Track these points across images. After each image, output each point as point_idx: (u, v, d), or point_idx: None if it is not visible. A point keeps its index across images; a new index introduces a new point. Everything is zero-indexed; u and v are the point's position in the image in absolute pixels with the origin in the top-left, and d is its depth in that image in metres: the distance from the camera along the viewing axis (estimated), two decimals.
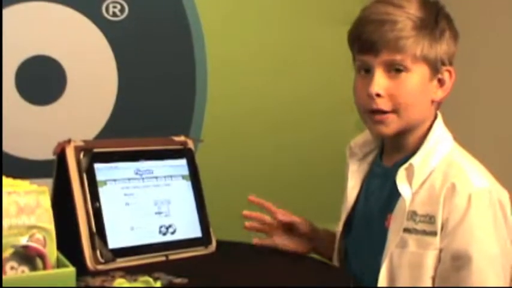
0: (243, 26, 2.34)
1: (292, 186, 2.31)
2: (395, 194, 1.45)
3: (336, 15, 2.32)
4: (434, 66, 1.45)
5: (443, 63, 1.46)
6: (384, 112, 1.45)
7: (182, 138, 1.70)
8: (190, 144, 1.70)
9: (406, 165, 1.44)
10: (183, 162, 1.67)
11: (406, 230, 1.43)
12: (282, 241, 1.64)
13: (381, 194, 1.52)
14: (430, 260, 1.41)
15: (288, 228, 1.65)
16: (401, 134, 1.49)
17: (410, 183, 1.43)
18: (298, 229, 1.65)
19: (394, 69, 1.44)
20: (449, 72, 1.47)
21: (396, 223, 1.44)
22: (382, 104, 1.45)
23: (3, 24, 1.98)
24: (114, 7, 2.13)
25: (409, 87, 1.44)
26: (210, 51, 2.27)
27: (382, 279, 1.44)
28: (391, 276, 1.44)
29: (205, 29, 2.25)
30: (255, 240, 1.63)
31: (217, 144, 2.14)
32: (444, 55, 1.45)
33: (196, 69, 2.26)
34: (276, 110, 2.39)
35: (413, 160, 1.44)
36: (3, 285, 1.11)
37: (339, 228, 1.59)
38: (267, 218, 1.64)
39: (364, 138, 1.61)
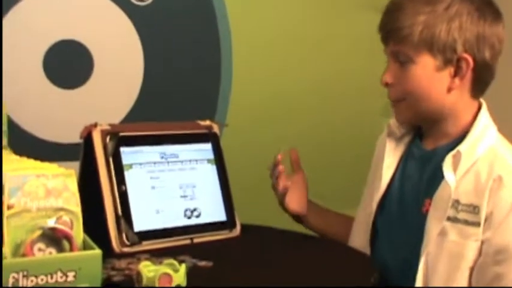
0: (268, 11, 2.33)
1: (316, 169, 2.30)
2: (435, 180, 1.44)
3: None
4: (444, 56, 1.43)
5: (454, 51, 1.43)
6: (396, 100, 1.48)
7: (207, 122, 1.70)
8: (216, 129, 1.70)
9: (454, 152, 1.43)
10: (208, 146, 1.67)
11: (448, 219, 1.41)
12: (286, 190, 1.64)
13: (419, 177, 1.50)
14: (470, 251, 1.39)
15: (293, 184, 1.65)
16: (438, 121, 1.48)
17: (455, 171, 1.42)
18: (301, 187, 1.66)
19: (400, 60, 1.45)
20: (465, 59, 1.44)
21: (438, 210, 1.42)
22: (392, 92, 1.49)
23: (31, 10, 1.99)
24: None
25: (413, 78, 1.45)
26: (235, 35, 2.26)
27: (421, 270, 1.42)
28: (429, 264, 1.42)
29: (230, 12, 2.24)
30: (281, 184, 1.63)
31: (242, 128, 2.13)
32: (456, 43, 1.43)
33: (222, 54, 2.26)
34: (301, 94, 2.38)
35: (461, 147, 1.43)
36: (31, 265, 1.12)
37: (372, 207, 1.57)
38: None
39: None
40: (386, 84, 1.48)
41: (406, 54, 1.44)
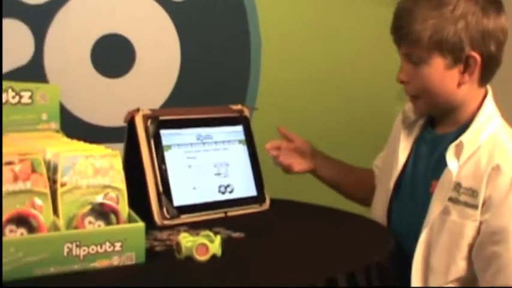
0: (293, 1, 2.32)
1: (339, 148, 2.30)
2: (442, 162, 1.43)
3: None
4: (453, 55, 1.42)
5: (463, 51, 1.41)
6: (412, 96, 1.49)
7: (239, 106, 1.69)
8: (246, 112, 1.70)
9: (456, 142, 1.42)
10: (239, 128, 1.67)
11: (450, 199, 1.41)
12: (287, 159, 1.66)
13: (428, 160, 1.50)
14: (469, 230, 1.39)
15: (293, 150, 1.68)
16: (450, 111, 1.48)
17: (458, 158, 1.41)
18: (300, 149, 1.68)
19: (413, 61, 1.44)
20: (473, 57, 1.42)
21: (441, 192, 1.42)
22: (408, 89, 1.49)
23: (78, 8, 1.99)
24: None
25: (426, 77, 1.44)
26: (263, 25, 2.25)
27: (422, 243, 1.43)
28: (431, 240, 1.42)
29: (259, 4, 2.24)
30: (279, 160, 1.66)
31: (270, 111, 2.13)
32: (463, 43, 1.41)
33: (251, 44, 2.25)
34: (325, 77, 2.36)
35: (464, 137, 1.42)
36: (83, 236, 1.13)
37: (389, 185, 1.56)
38: (277, 143, 1.67)
39: None
40: (402, 82, 1.48)
41: (418, 56, 1.43)
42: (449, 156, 1.42)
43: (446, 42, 1.41)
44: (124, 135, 1.56)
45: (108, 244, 1.15)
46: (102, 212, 1.19)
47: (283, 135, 1.70)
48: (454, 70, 1.44)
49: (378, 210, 1.59)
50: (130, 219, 1.22)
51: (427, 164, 1.50)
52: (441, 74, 1.43)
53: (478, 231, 1.39)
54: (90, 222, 1.18)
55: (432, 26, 1.40)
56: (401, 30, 1.44)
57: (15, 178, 1.13)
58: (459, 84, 1.45)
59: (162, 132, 1.54)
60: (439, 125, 1.53)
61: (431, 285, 1.42)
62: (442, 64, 1.43)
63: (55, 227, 1.16)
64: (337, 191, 1.75)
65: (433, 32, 1.40)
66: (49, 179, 1.18)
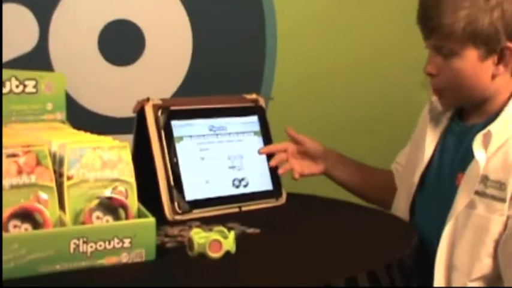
0: None
1: (359, 138, 2.30)
2: (469, 155, 1.41)
3: None
4: (487, 47, 1.39)
5: (498, 42, 1.39)
6: (439, 90, 1.47)
7: (254, 96, 1.69)
8: (262, 102, 1.69)
9: (484, 131, 1.40)
10: (254, 119, 1.66)
11: (476, 193, 1.39)
12: (297, 163, 1.64)
13: (455, 152, 1.48)
14: (495, 225, 1.37)
15: (303, 153, 1.66)
16: (480, 103, 1.46)
17: (486, 149, 1.39)
18: (310, 151, 1.66)
19: (443, 53, 1.42)
20: (509, 48, 1.40)
21: (467, 184, 1.40)
22: (436, 82, 1.46)
23: None
24: None
25: (458, 70, 1.42)
26: (279, 11, 2.23)
27: (445, 238, 1.41)
28: (455, 235, 1.41)
29: None
30: (280, 170, 1.63)
31: (286, 101, 2.12)
32: (499, 34, 1.38)
33: (266, 30, 2.24)
34: (343, 66, 2.36)
35: (492, 127, 1.40)
36: (90, 231, 1.13)
37: (414, 179, 1.55)
38: (283, 147, 1.65)
39: None
40: (430, 75, 1.46)
41: (450, 49, 1.40)
42: (477, 146, 1.40)
43: (480, 34, 1.38)
44: (133, 126, 1.56)
45: (116, 240, 1.15)
46: (111, 207, 1.19)
47: (291, 137, 1.67)
48: (488, 62, 1.41)
49: (401, 206, 1.58)
50: (140, 214, 1.22)
51: (454, 156, 1.48)
52: (474, 67, 1.41)
53: (505, 226, 1.37)
54: (97, 218, 1.18)
55: (465, 17, 1.37)
56: (431, 22, 1.40)
57: (20, 171, 1.13)
58: (493, 76, 1.43)
59: (173, 123, 1.54)
60: (468, 115, 1.51)
61: (454, 283, 1.40)
62: (475, 56, 1.40)
63: (61, 223, 1.16)
64: (352, 193, 1.74)
65: (467, 23, 1.37)
66: (55, 172, 1.17)
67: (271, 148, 1.64)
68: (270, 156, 1.64)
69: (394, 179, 1.72)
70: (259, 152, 1.62)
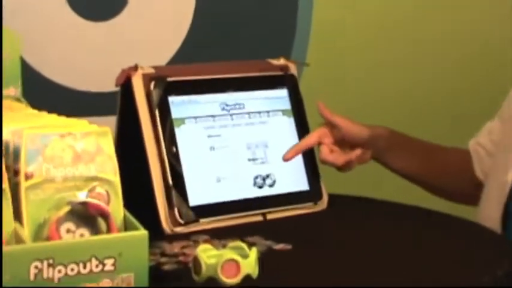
0: None
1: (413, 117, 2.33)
2: None
3: None
4: None
5: None
6: None
7: (282, 61, 1.70)
8: (293, 69, 1.69)
9: None
10: (283, 92, 1.67)
11: None
12: (338, 156, 1.66)
13: None
14: None
15: (341, 140, 1.68)
16: None
17: None
18: (350, 140, 1.68)
19: None
20: None
21: None
22: None
23: None
24: None
25: None
26: None
27: None
28: None
29: None
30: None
31: (326, 69, 2.12)
32: None
33: None
34: (400, 20, 2.42)
35: None
36: (58, 251, 1.13)
37: (508, 178, 1.56)
38: (315, 140, 1.66)
39: None
40: None
41: None
42: None
43: None
44: (116, 105, 1.57)
45: (94, 262, 1.14)
46: (86, 216, 1.19)
47: (325, 118, 1.68)
48: None
49: (489, 211, 1.58)
50: (127, 226, 1.22)
51: None
52: None
53: None
54: (68, 231, 1.18)
55: None
56: None
57: None
58: None
59: (171, 99, 1.55)
60: None
61: None
62: None
63: (17, 238, 1.15)
64: (415, 183, 1.76)
65: None
66: (7, 168, 1.18)
67: (298, 149, 1.64)
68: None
69: (472, 164, 1.73)
70: (284, 158, 1.62)
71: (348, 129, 1.68)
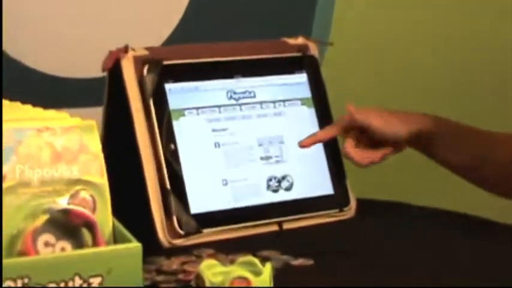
0: None
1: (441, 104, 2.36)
2: None
3: None
4: None
5: None
6: None
7: (300, 40, 1.71)
8: (313, 50, 1.71)
9: None
10: (302, 77, 1.68)
11: None
12: (366, 154, 1.65)
13: None
14: None
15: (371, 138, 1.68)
16: None
17: None
18: (385, 137, 1.65)
19: None
20: None
21: None
22: None
23: None
24: None
25: None
26: None
27: None
28: None
29: None
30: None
31: (351, 51, 2.12)
32: None
33: None
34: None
35: None
36: (35, 267, 1.13)
37: None
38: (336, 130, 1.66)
39: None
40: None
41: None
42: None
43: None
44: (103, 93, 1.57)
45: (78, 280, 1.14)
46: (68, 226, 1.19)
47: (359, 123, 1.66)
48: None
49: None
50: (116, 237, 1.23)
51: None
52: None
53: None
54: (47, 244, 1.18)
55: None
56: None
57: None
58: None
59: (169, 86, 1.56)
60: None
61: None
62: None
63: None
64: (466, 179, 1.74)
65: None
66: None
67: (317, 138, 1.64)
68: (328, 141, 1.66)
69: None
70: (300, 145, 1.62)
71: (383, 131, 1.66)
